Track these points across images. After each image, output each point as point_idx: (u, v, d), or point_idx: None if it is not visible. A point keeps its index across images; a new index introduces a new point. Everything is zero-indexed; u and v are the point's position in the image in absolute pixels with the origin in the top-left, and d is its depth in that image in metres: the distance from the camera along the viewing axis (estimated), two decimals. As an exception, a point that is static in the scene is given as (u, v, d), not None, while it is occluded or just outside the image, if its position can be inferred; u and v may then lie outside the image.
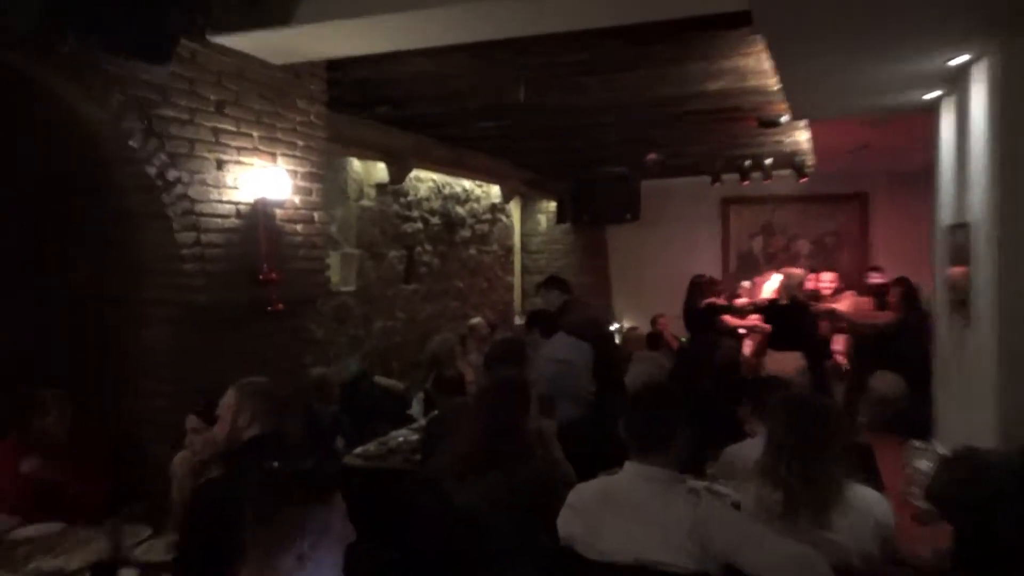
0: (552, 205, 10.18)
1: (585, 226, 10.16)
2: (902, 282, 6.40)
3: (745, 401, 4.77)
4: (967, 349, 3.88)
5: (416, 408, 5.41)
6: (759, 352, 6.71)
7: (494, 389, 3.11)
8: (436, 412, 4.43)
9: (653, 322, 8.83)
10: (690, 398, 2.77)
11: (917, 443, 3.80)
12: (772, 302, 6.55)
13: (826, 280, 8.29)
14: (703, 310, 7.02)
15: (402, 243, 6.97)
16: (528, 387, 3.14)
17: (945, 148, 4.56)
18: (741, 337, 7.12)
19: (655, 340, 8.02)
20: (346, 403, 4.86)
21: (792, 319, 6.30)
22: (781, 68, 4.01)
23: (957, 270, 4.02)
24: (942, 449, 4.01)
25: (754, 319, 7.03)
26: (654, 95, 5.47)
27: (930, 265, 8.43)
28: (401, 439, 4.52)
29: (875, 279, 8.07)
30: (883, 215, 9.82)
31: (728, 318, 7.17)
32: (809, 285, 7.46)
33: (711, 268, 10.13)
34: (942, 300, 4.60)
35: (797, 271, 6.94)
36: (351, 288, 6.21)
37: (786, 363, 5.30)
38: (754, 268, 10.17)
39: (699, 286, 7.16)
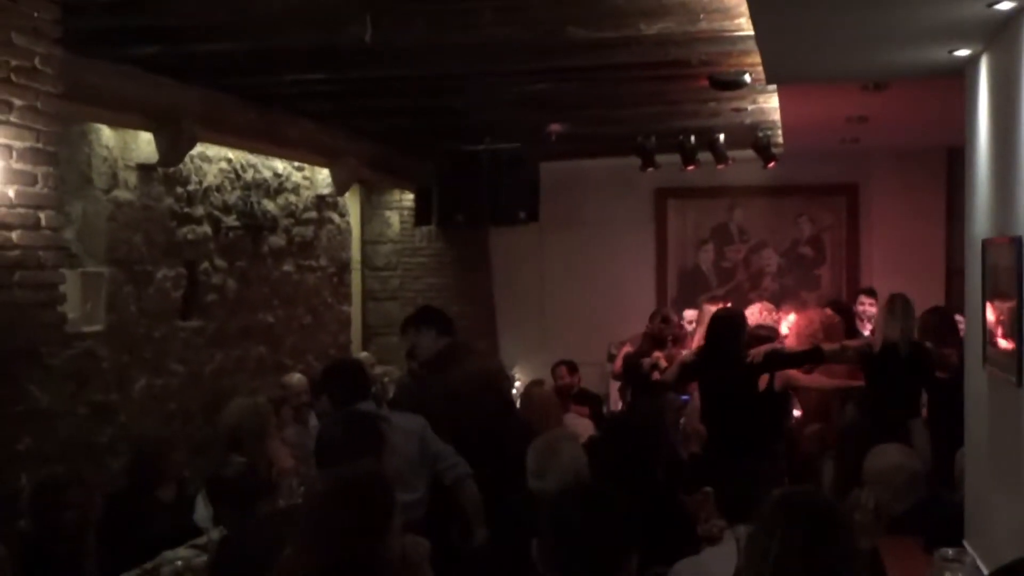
0: (409, 198, 10.20)
1: (459, 230, 10.21)
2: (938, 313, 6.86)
3: (703, 490, 4.86)
4: (1015, 418, 3.90)
5: (202, 512, 5.22)
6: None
7: (336, 495, 3.09)
8: (227, 531, 4.36)
9: (554, 373, 8.97)
10: (634, 495, 2.84)
11: (948, 552, 3.85)
12: (893, 347, 6.58)
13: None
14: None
15: (179, 257, 6.93)
16: (389, 489, 3.15)
17: (981, 130, 4.69)
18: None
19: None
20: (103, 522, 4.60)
21: (909, 375, 6.46)
22: (756, 7, 4.03)
23: (999, 305, 4.13)
24: (980, 561, 4.15)
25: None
26: (565, 38, 5.52)
27: (947, 289, 8.98)
28: (180, 563, 4.40)
29: (868, 306, 8.57)
30: (880, 215, 10.29)
31: (817, 376, 7.34)
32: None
33: (641, 291, 10.54)
34: (975, 345, 4.72)
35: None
36: (98, 327, 6.10)
37: None
38: (702, 291, 10.52)
39: (742, 326, 7.19)
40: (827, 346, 7.12)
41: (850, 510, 4.42)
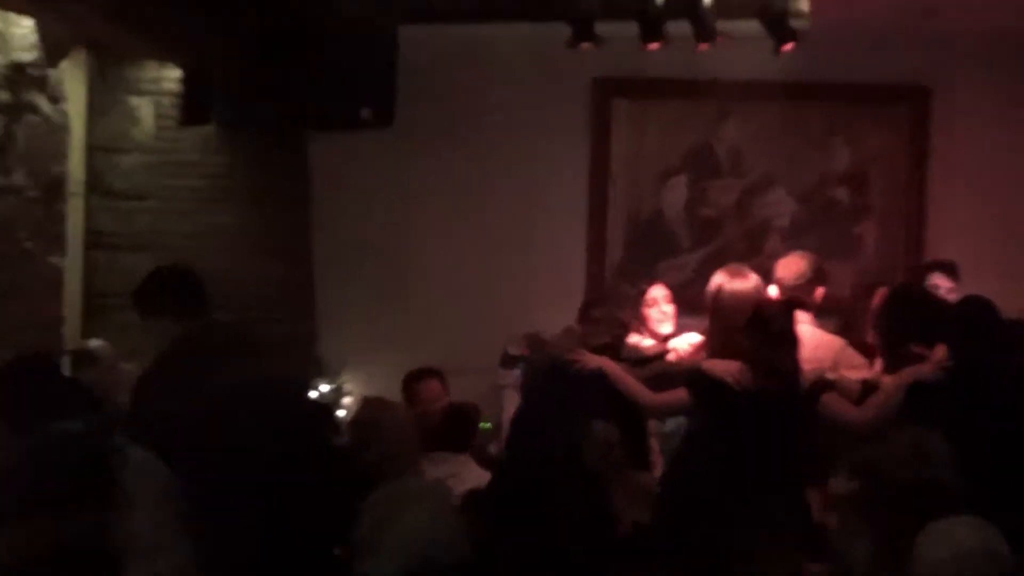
0: (174, 78, 10.29)
1: (259, 135, 10.29)
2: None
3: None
4: None
5: None
6: None
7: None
8: None
9: (410, 390, 8.71)
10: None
11: None
12: None
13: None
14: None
15: None
16: (115, 565, 4.04)
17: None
18: None
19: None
20: None
21: None
22: None
23: None
24: None
25: None
26: None
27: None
28: None
29: (945, 292, 8.76)
30: (963, 140, 10.27)
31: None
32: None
33: (565, 250, 10.65)
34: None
35: None
36: None
37: None
38: (664, 253, 10.54)
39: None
40: None
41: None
